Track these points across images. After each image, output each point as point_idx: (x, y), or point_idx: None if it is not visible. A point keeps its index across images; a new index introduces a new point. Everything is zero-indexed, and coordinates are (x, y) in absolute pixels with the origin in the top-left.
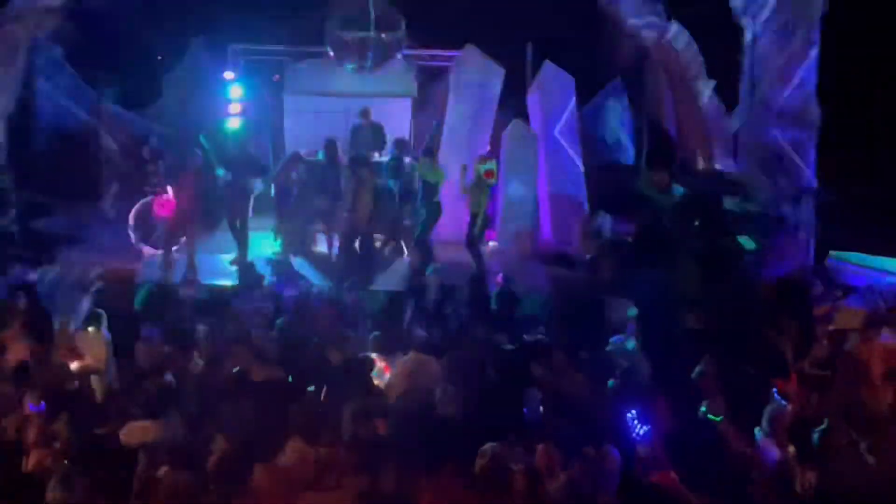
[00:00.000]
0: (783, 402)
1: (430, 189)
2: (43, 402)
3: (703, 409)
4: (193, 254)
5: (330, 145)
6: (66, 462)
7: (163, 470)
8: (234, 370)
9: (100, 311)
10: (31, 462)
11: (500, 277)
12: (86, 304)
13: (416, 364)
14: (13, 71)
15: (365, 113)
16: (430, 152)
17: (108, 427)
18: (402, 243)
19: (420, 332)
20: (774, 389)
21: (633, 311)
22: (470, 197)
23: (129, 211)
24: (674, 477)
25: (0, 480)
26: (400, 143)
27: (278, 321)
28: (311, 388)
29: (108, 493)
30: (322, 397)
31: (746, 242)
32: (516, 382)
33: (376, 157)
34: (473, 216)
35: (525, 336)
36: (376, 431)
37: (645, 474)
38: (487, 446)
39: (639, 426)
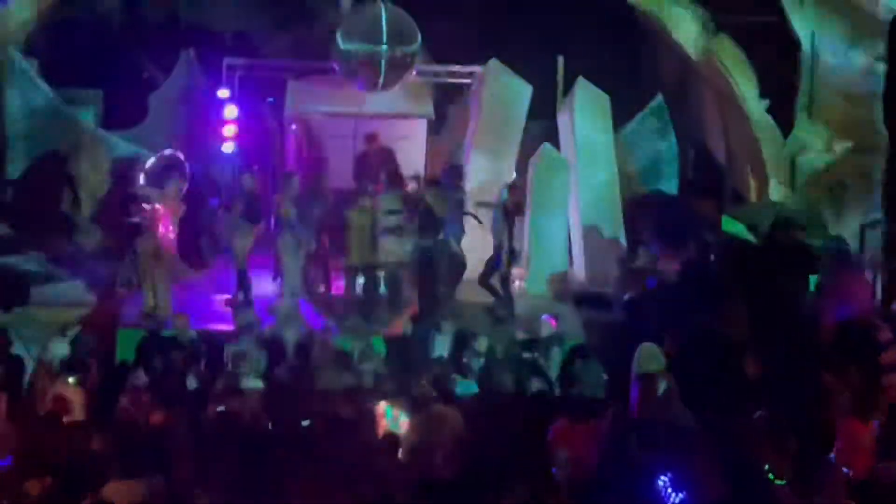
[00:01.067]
0: (844, 469)
1: (434, 222)
2: (9, 457)
3: (766, 470)
4: (167, 288)
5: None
6: None
7: None
8: (223, 424)
9: (84, 359)
10: None
11: (552, 321)
12: (62, 349)
13: (437, 417)
14: None
15: (371, 138)
16: (435, 181)
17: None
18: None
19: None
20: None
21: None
22: (493, 229)
23: (109, 245)
24: None
25: None
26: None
27: (277, 369)
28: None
29: None
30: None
31: (806, 282)
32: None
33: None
34: (497, 250)
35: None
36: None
37: None
38: None
39: (673, 495)
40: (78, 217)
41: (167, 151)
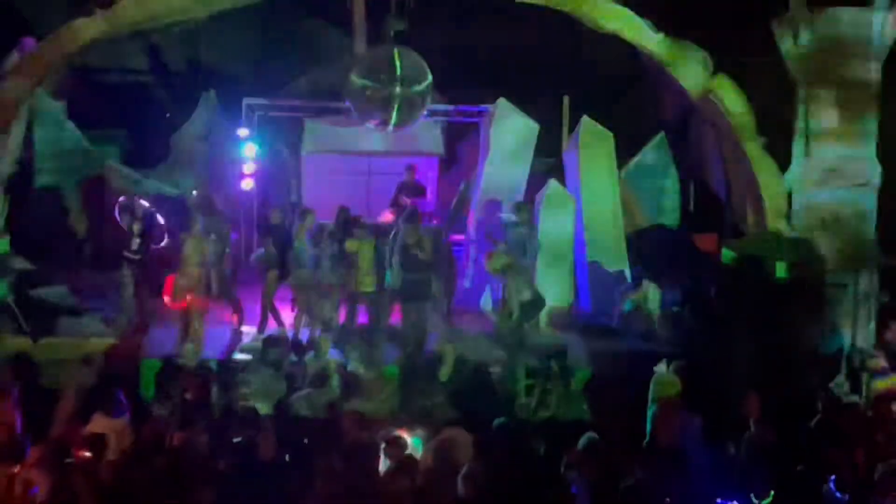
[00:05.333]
0: (839, 495)
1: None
2: (36, 487)
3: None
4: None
5: (342, 213)
6: None
7: None
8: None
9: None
10: None
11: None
12: (88, 380)
13: (449, 441)
14: (13, 129)
15: (410, 168)
16: (413, 218)
17: None
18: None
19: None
20: (832, 479)
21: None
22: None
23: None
24: None
25: None
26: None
27: (294, 396)
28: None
29: None
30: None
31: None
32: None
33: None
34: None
35: None
36: None
37: None
38: None
39: None
40: (102, 252)
41: (195, 191)
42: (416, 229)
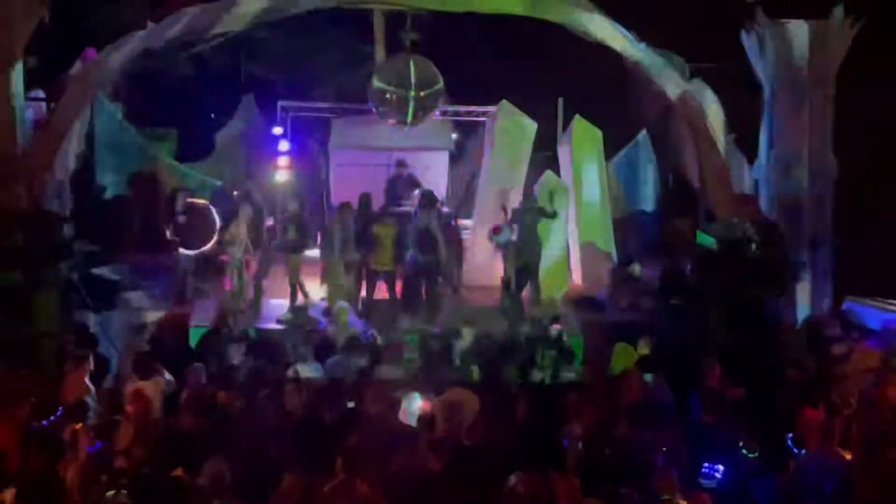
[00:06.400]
0: (796, 450)
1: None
2: (98, 443)
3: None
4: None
5: (364, 199)
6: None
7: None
8: (278, 407)
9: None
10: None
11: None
12: (141, 347)
13: (457, 399)
14: (77, 128)
15: (401, 164)
16: (428, 205)
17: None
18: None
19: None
20: (789, 437)
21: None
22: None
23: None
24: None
25: None
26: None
27: (329, 361)
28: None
29: None
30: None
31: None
32: (552, 416)
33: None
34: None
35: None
36: (418, 466)
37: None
38: (513, 476)
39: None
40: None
41: (241, 185)
42: (430, 214)
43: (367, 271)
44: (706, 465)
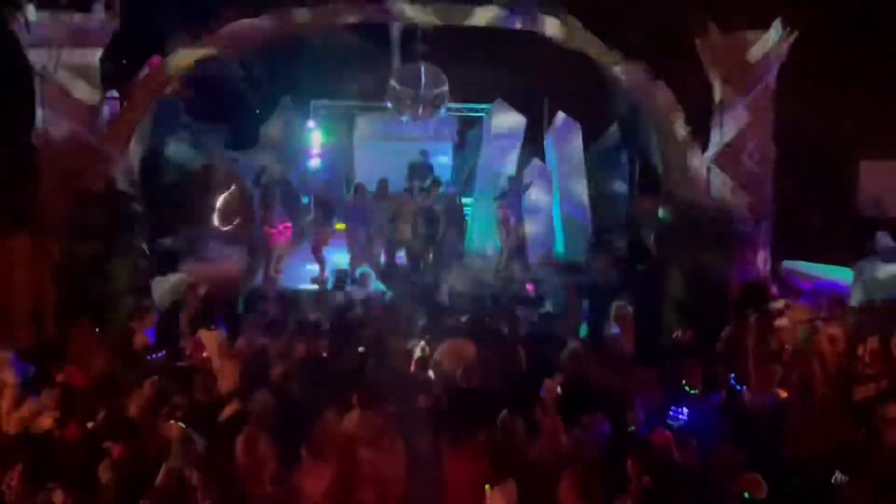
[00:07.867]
0: (738, 387)
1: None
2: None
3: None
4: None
5: (382, 182)
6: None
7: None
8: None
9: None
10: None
11: (531, 287)
12: (196, 303)
13: (455, 347)
14: (145, 122)
15: (423, 153)
16: (435, 187)
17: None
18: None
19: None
20: (732, 376)
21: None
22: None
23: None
24: (667, 435)
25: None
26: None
27: (350, 313)
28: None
29: (221, 454)
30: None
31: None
32: (541, 364)
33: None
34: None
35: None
36: (421, 403)
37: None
38: (502, 414)
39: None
40: (213, 211)
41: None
42: (432, 195)
43: (387, 242)
44: (673, 408)
